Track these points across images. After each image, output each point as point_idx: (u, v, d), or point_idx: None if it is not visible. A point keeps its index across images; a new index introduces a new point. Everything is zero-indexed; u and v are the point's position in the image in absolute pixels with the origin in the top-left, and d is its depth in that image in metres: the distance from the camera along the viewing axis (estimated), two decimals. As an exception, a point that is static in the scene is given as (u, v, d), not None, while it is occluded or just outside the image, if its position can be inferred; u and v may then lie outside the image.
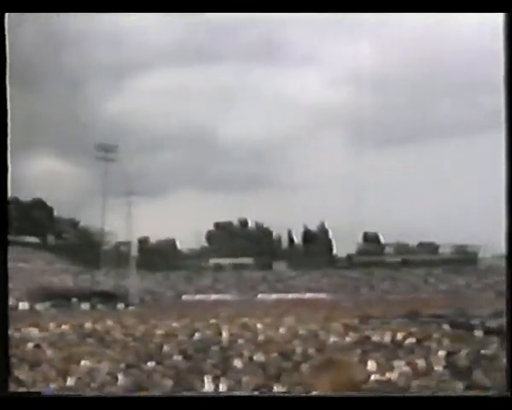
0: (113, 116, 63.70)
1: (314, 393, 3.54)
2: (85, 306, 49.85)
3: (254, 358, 25.02)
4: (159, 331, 33.59)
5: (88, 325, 36.08)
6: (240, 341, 29.76)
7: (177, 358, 26.24)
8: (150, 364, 24.87)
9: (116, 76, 67.74)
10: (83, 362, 24.18)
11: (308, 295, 51.23)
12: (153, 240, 66.80)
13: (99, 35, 61.69)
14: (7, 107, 3.39)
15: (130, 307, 50.55)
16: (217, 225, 66.07)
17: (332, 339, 29.91)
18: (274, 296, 51.78)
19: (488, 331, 34.20)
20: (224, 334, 31.76)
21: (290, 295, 51.85)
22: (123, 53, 66.69)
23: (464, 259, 59.67)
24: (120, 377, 22.57)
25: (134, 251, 62.44)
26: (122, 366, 23.97)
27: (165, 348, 28.28)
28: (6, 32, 3.34)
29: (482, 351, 25.95)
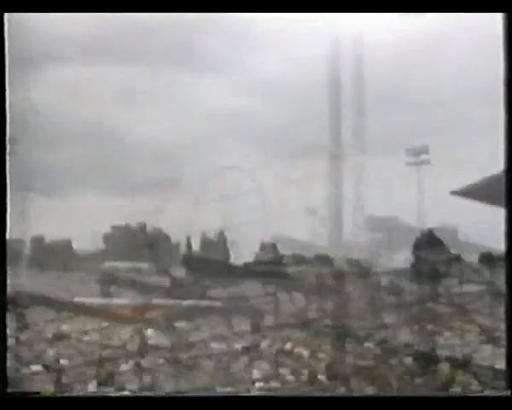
0: (15, 108, 61.38)
1: (313, 393, 3.70)
2: (-30, 305, 47.76)
3: (141, 363, 25.01)
4: (46, 334, 32.73)
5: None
6: (129, 346, 29.56)
7: (63, 362, 25.74)
8: (34, 368, 24.26)
9: (21, 67, 65.29)
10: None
11: (203, 303, 51.42)
12: (48, 239, 65.06)
13: (5, 22, 59.25)
14: (6, 106, 3.33)
15: (18, 309, 48.89)
16: (114, 227, 65.31)
17: (220, 346, 30.29)
18: (170, 302, 51.59)
19: (373, 343, 35.76)
20: (115, 338, 31.43)
21: (185, 302, 51.86)
22: (30, 43, 64.40)
23: (357, 272, 62.04)
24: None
25: (27, 250, 60.54)
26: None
27: (51, 351, 27.63)
28: (6, 32, 3.27)
29: (364, 361, 27.18)
